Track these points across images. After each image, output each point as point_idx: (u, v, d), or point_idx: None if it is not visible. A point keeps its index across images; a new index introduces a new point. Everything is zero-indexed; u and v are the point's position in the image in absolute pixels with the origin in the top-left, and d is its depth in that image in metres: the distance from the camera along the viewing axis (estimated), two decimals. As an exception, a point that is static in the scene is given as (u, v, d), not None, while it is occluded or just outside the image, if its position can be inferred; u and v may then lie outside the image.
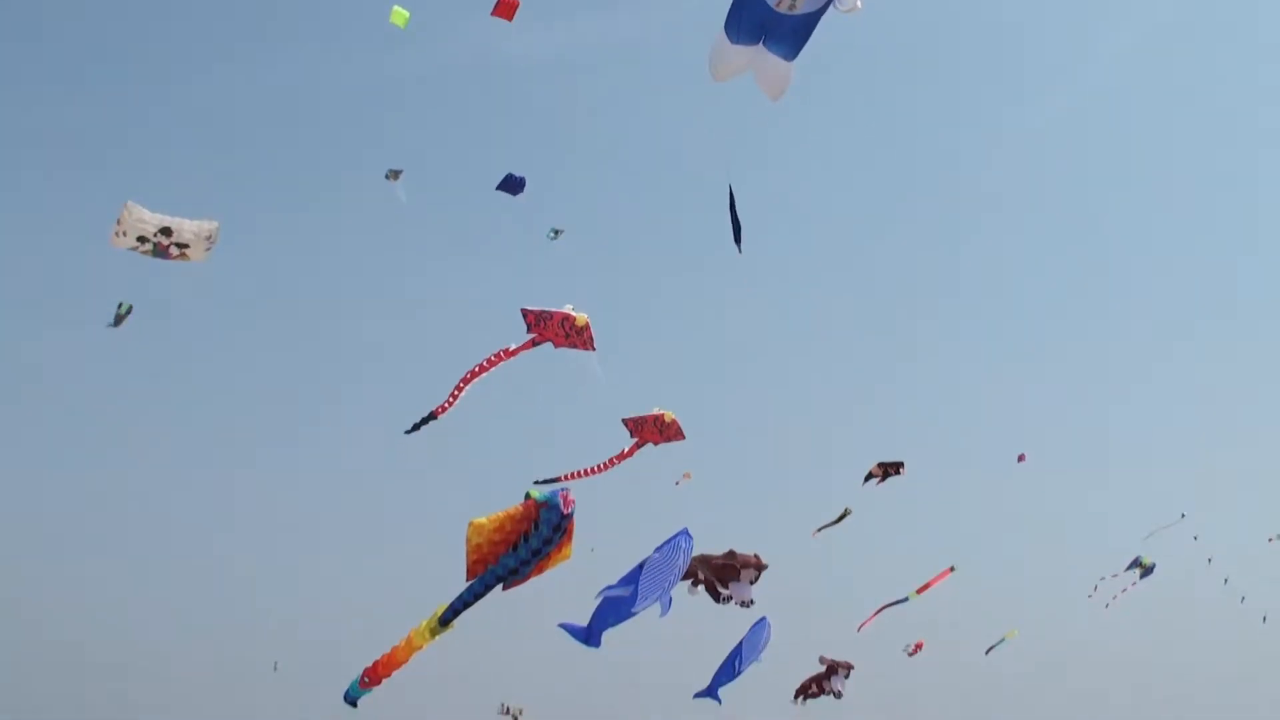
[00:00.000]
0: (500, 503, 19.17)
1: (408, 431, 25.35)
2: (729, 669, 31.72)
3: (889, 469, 42.00)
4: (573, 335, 26.02)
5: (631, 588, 21.25)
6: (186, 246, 19.14)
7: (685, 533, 22.69)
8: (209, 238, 19.46)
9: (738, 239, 23.19)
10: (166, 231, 18.73)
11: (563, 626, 22.31)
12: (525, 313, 26.00)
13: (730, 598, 30.39)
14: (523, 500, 19.11)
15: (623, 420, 30.43)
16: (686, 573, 25.62)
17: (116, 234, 18.88)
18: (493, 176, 30.04)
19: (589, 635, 21.93)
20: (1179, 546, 55.19)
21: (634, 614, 21.55)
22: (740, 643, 31.67)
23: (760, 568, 30.62)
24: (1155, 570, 52.46)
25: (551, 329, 25.99)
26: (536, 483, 19.88)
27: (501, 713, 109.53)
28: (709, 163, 23.62)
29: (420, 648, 19.61)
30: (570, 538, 18.97)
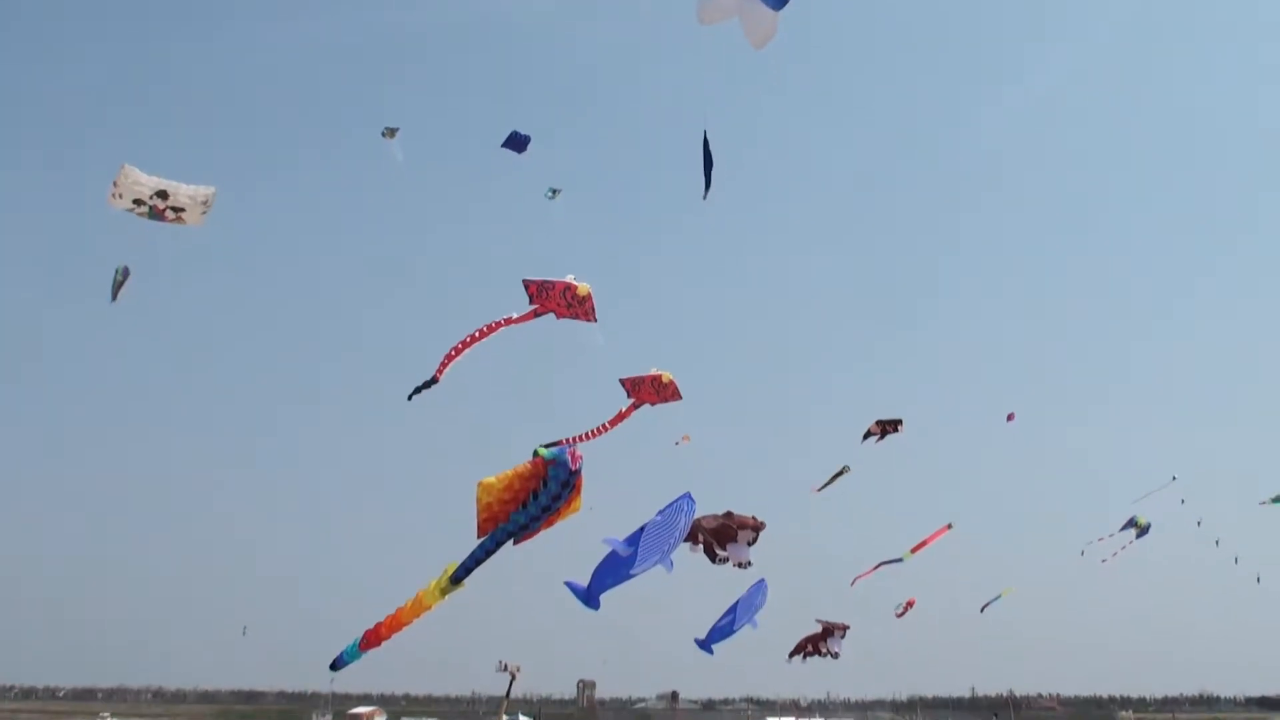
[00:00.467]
0: (497, 467, 19.35)
1: (409, 397, 25.29)
2: (724, 626, 31.96)
3: (887, 427, 42.33)
4: (574, 305, 26.01)
5: (632, 550, 21.34)
6: (182, 210, 19.13)
7: (688, 496, 22.80)
8: (205, 202, 19.43)
9: (707, 185, 23.61)
10: (162, 195, 18.72)
11: (568, 585, 22.44)
12: (527, 284, 25.95)
13: (727, 559, 30.59)
14: (531, 459, 19.44)
15: (620, 380, 30.46)
16: (687, 534, 25.77)
17: (113, 195, 18.89)
18: (490, 133, 30.24)
19: (589, 597, 22.04)
20: (1171, 509, 55.86)
21: (633, 575, 21.64)
22: (736, 602, 31.91)
23: (758, 528, 30.79)
24: (1150, 530, 52.97)
25: (553, 299, 25.96)
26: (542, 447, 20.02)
27: (499, 669, 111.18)
28: (709, 121, 23.68)
29: (430, 607, 19.90)
30: (579, 491, 19.28)
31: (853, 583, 47.02)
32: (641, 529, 21.68)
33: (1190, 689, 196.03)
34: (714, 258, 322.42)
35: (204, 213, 19.54)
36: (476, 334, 24.97)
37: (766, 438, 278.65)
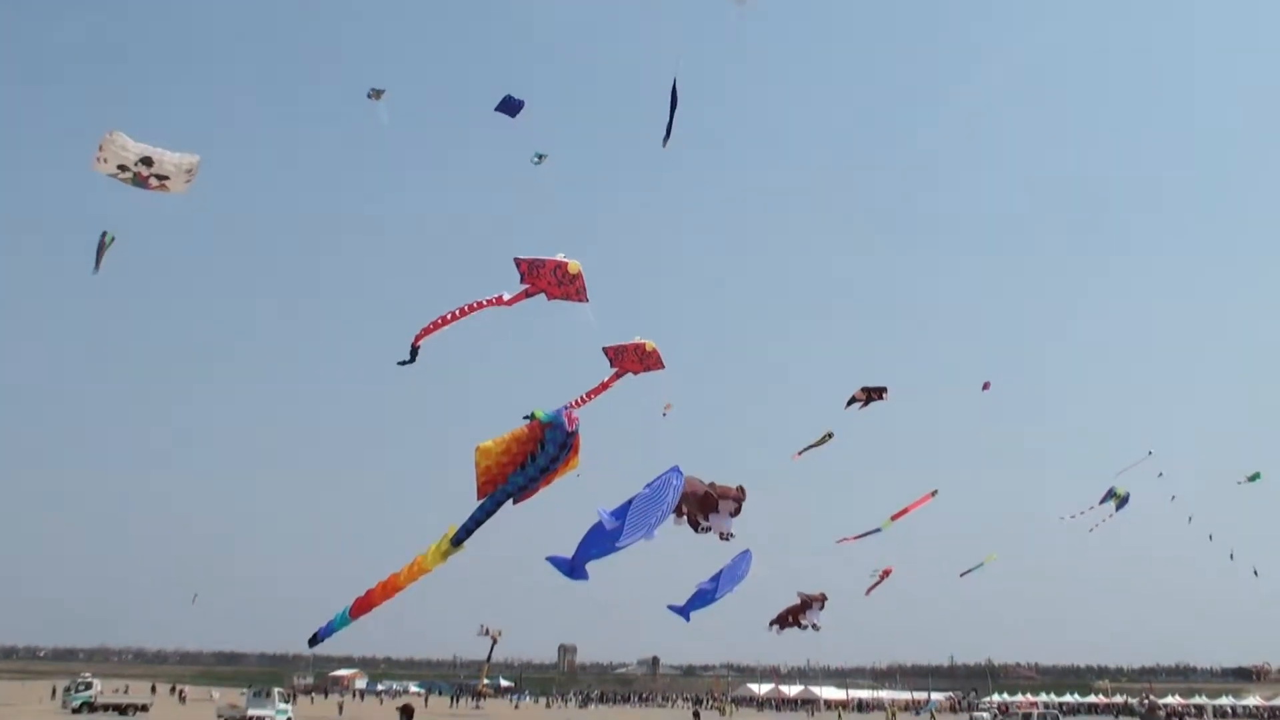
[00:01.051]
0: (478, 430, 19.47)
1: (399, 363, 25.01)
2: (705, 595, 32.01)
3: (872, 393, 42.22)
4: (565, 284, 25.82)
5: (619, 522, 21.38)
6: (166, 178, 19.03)
7: (676, 470, 22.80)
8: (189, 171, 19.34)
9: (668, 134, 23.65)
10: (147, 161, 18.61)
11: (550, 560, 22.45)
12: (518, 262, 25.79)
13: (710, 529, 30.60)
14: (526, 422, 19.62)
15: (603, 349, 30.32)
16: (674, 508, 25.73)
17: (98, 160, 18.77)
18: (475, 99, 30.12)
19: (573, 569, 22.07)
20: (1149, 483, 56.40)
21: (618, 548, 21.69)
22: (721, 571, 31.97)
23: (740, 499, 30.76)
24: (1129, 501, 53.44)
25: (544, 278, 25.80)
26: (525, 418, 20.12)
27: (481, 634, 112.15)
28: (691, 86, 23.70)
29: (429, 570, 20.07)
30: (577, 451, 19.50)
31: (838, 541, 47.35)
32: (629, 502, 21.70)
33: (1167, 660, 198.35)
34: (696, 224, 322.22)
35: (188, 181, 19.46)
36: (468, 308, 24.67)
37: (751, 406, 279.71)
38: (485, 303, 24.90)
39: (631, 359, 30.08)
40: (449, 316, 24.42)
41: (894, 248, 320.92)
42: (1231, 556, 67.89)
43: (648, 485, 22.28)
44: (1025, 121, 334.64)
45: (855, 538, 47.13)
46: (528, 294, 25.68)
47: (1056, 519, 59.24)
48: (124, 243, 22.03)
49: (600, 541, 21.61)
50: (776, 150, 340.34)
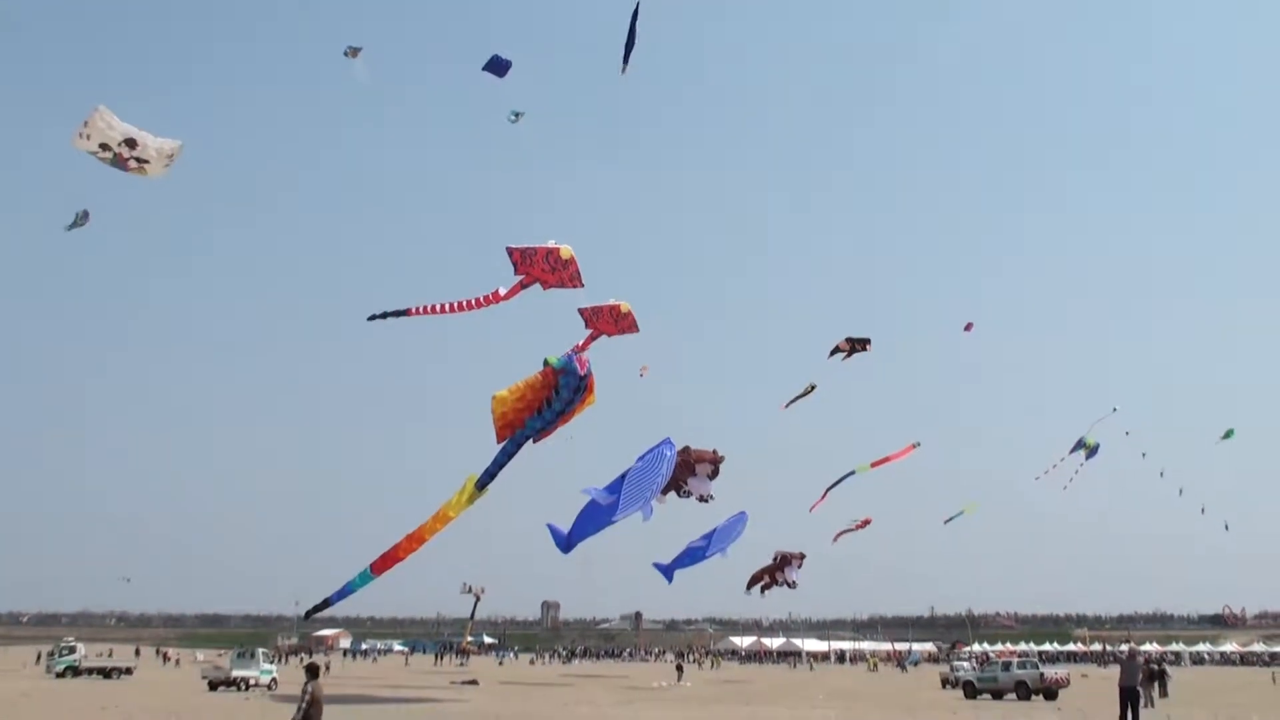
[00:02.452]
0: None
1: (370, 317, 24.78)
2: (695, 553, 32.28)
3: (856, 345, 42.22)
4: (559, 269, 25.81)
5: (614, 497, 21.68)
6: (146, 162, 19.04)
7: (668, 442, 23.03)
8: (170, 155, 19.36)
9: (625, 58, 23.67)
10: (131, 144, 18.57)
11: (549, 527, 22.71)
12: (511, 251, 25.83)
13: (690, 492, 30.84)
14: (541, 369, 20.12)
15: (579, 310, 30.33)
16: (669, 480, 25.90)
17: (80, 135, 18.69)
18: (453, 57, 29.82)
19: (569, 545, 22.39)
20: (1121, 435, 56.95)
21: (614, 522, 22.02)
22: (714, 530, 32.25)
23: (715, 462, 30.97)
24: (1099, 450, 54.09)
25: (537, 266, 25.79)
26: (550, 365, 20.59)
27: (464, 592, 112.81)
28: (673, 45, 23.69)
29: (453, 518, 20.51)
30: (592, 390, 20.01)
31: (810, 509, 47.45)
32: (623, 476, 21.96)
33: (1145, 608, 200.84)
34: (670, 177, 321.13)
35: (167, 165, 19.49)
36: (465, 304, 24.43)
37: (730, 365, 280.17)
38: (483, 300, 24.83)
39: (606, 321, 30.08)
40: (445, 308, 24.36)
41: (870, 202, 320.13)
42: (1203, 511, 68.65)
43: (640, 458, 22.53)
44: (983, 70, 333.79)
45: (827, 491, 47.09)
46: (523, 285, 25.63)
47: (1034, 474, 59.62)
48: (95, 216, 22.09)
49: (597, 518, 21.91)
50: (742, 103, 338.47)
